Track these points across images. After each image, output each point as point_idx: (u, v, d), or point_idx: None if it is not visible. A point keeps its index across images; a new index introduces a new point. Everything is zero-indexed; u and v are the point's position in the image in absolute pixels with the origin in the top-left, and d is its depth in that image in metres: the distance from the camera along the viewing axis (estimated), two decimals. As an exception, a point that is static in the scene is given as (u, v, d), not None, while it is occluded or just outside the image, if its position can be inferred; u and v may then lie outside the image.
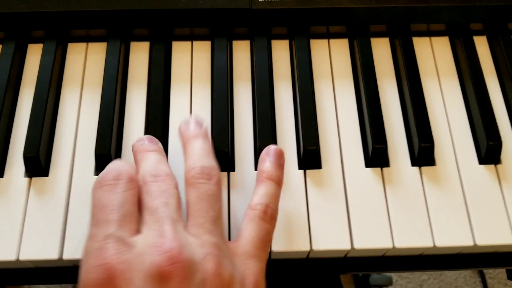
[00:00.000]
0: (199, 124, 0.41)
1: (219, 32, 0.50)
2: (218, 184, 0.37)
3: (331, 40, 0.51)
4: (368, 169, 0.44)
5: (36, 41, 0.50)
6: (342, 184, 0.44)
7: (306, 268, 0.45)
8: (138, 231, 0.34)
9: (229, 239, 0.41)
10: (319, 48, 0.51)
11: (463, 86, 0.49)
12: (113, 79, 0.47)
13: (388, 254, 0.44)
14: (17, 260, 0.40)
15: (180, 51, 0.50)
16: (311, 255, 0.43)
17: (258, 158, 0.43)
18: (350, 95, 0.48)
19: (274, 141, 0.45)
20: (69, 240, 0.41)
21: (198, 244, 0.33)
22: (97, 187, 0.36)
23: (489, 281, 1.27)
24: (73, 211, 0.42)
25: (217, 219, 0.36)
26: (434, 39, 0.52)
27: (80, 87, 0.48)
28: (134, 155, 0.41)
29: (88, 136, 0.45)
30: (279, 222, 0.40)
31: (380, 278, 1.20)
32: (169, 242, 0.32)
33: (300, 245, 0.41)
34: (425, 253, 0.44)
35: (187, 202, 0.36)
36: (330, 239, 0.41)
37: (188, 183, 0.37)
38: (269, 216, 0.38)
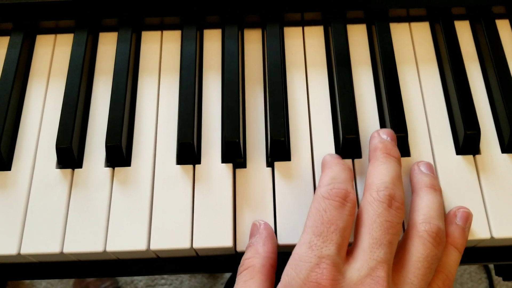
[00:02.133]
0: (432, 170, 0.40)
1: (188, 21, 0.48)
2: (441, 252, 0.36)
3: (306, 28, 0.49)
4: (345, 160, 0.42)
5: (3, 33, 0.49)
6: (312, 175, 0.42)
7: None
8: (348, 252, 0.35)
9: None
10: (293, 37, 0.49)
11: (442, 73, 0.47)
12: (78, 70, 0.45)
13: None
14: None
15: (150, 41, 0.49)
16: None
17: (224, 150, 0.42)
18: (323, 85, 0.46)
19: (241, 134, 0.44)
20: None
21: None
22: (325, 197, 0.36)
23: (495, 277, 1.24)
24: (33, 206, 0.41)
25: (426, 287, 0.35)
26: (413, 24, 0.49)
27: (46, 79, 0.47)
28: (370, 151, 0.40)
29: (52, 129, 0.44)
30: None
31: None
32: None
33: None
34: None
35: (409, 253, 0.35)
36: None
37: (418, 233, 0.35)
38: (447, 285, 0.37)
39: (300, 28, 0.49)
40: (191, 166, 0.42)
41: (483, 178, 0.42)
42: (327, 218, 0.34)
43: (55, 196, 0.41)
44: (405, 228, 0.38)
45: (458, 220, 0.39)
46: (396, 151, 0.39)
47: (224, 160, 0.43)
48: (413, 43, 0.48)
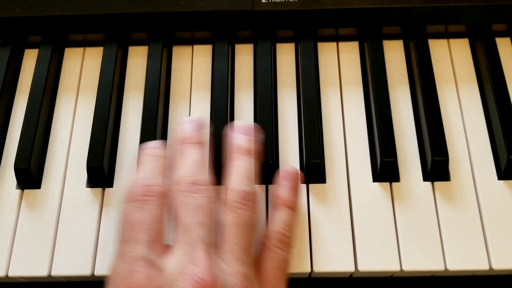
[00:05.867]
0: (249, 139, 0.39)
1: (220, 36, 0.47)
2: (257, 212, 0.36)
3: (340, 43, 0.48)
4: (376, 184, 0.41)
5: (33, 46, 0.49)
6: (348, 200, 0.41)
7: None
8: (167, 247, 0.33)
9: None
10: (327, 52, 0.48)
11: (483, 93, 0.45)
12: (108, 86, 0.45)
13: (396, 275, 0.41)
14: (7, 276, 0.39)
15: (181, 56, 0.48)
16: (313, 275, 0.40)
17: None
18: (359, 103, 0.45)
19: (275, 153, 0.42)
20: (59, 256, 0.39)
21: (230, 273, 0.33)
22: (125, 202, 0.35)
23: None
24: (64, 225, 0.40)
25: (250, 248, 0.35)
26: (452, 41, 0.48)
27: (75, 94, 0.46)
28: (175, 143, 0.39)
29: (82, 146, 0.44)
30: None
31: None
32: (202, 272, 0.31)
33: (300, 267, 0.38)
34: (436, 275, 0.41)
35: (223, 225, 0.35)
36: (332, 260, 0.39)
37: (227, 205, 0.36)
38: (286, 244, 0.37)
39: (334, 44, 0.48)
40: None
41: (527, 204, 0.40)
42: (130, 221, 0.33)
43: (86, 216, 0.41)
44: None
45: (283, 180, 0.39)
46: (195, 136, 0.39)
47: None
48: (452, 60, 0.47)
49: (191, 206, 0.34)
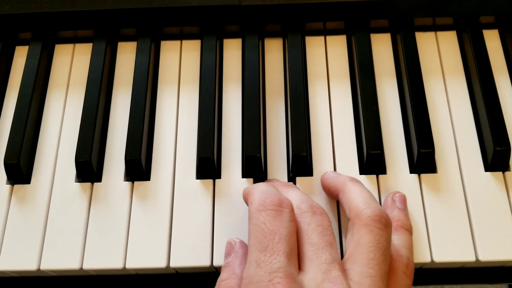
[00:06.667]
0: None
1: (208, 31, 0.47)
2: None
3: (328, 37, 0.48)
4: (363, 176, 0.41)
5: (23, 43, 0.49)
6: (334, 193, 0.41)
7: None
8: (299, 267, 0.33)
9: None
10: (315, 46, 0.48)
11: (470, 85, 0.45)
12: (97, 82, 0.45)
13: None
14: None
15: (169, 51, 0.48)
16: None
17: (245, 165, 0.41)
18: (346, 97, 0.45)
19: (264, 147, 0.43)
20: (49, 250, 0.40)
21: None
22: (259, 210, 0.34)
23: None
24: (53, 220, 0.41)
25: (386, 274, 0.34)
26: (440, 34, 0.48)
27: (65, 90, 0.47)
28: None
29: (71, 142, 0.44)
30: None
31: None
32: None
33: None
34: (424, 267, 0.41)
35: (357, 242, 0.34)
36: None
37: (362, 222, 0.34)
38: (411, 271, 0.36)
39: (322, 38, 0.48)
40: (211, 181, 0.42)
41: (513, 195, 0.40)
42: (268, 229, 0.33)
43: (75, 211, 0.41)
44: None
45: (398, 204, 0.39)
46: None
47: (245, 175, 0.42)
48: (439, 53, 0.47)
49: (316, 226, 0.34)
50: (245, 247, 0.37)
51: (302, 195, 0.37)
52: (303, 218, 0.35)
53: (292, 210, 0.34)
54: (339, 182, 0.39)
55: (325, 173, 0.41)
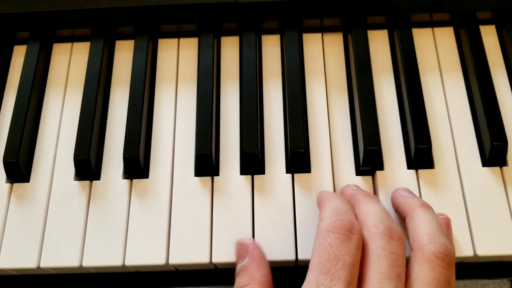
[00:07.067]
0: (412, 193, 0.39)
1: (205, 28, 0.47)
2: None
3: (325, 34, 0.48)
4: (359, 177, 0.41)
5: (21, 42, 0.49)
6: (332, 189, 0.41)
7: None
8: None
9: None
10: (312, 43, 0.48)
11: (467, 81, 0.45)
12: (95, 80, 0.45)
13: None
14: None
15: (167, 49, 0.48)
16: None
17: (243, 162, 0.41)
18: (343, 93, 0.45)
19: (261, 144, 0.43)
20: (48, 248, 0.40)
21: None
22: (329, 231, 0.33)
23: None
24: (52, 217, 0.41)
25: None
26: (437, 30, 0.48)
27: (64, 88, 0.47)
28: (343, 191, 0.39)
29: (70, 140, 0.44)
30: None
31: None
32: None
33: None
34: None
35: (416, 277, 0.33)
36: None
37: (425, 257, 0.33)
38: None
39: (319, 35, 0.48)
40: (209, 178, 0.42)
41: (511, 190, 0.40)
42: (333, 253, 0.32)
43: (74, 209, 0.41)
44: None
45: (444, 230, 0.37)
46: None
47: (243, 172, 0.42)
48: (436, 49, 0.47)
49: (389, 254, 0.33)
50: (258, 248, 0.37)
51: (383, 213, 0.35)
52: (377, 239, 0.33)
53: (360, 238, 0.33)
54: (409, 205, 0.37)
55: (397, 189, 0.40)
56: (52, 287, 0.43)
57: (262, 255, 0.37)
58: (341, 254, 0.32)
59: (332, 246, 0.33)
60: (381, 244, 0.33)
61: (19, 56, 0.49)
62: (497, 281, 1.19)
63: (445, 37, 0.47)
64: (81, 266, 0.39)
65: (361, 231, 0.34)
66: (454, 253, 0.34)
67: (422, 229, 0.34)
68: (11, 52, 0.49)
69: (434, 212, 0.37)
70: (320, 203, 0.38)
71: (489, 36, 0.47)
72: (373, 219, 0.35)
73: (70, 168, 0.43)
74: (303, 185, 0.41)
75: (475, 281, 1.17)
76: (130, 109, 0.44)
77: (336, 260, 0.32)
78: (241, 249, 0.37)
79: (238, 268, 0.37)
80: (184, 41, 0.49)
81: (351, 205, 0.37)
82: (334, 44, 0.48)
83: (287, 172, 0.42)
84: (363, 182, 0.41)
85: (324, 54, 0.47)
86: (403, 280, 0.33)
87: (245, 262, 0.36)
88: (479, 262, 0.42)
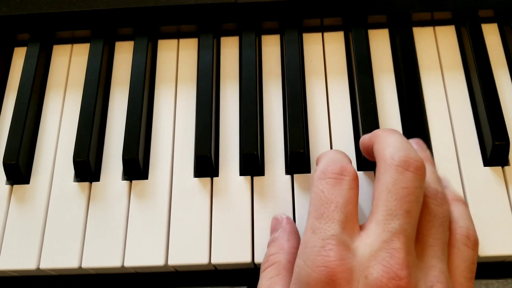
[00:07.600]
0: (423, 147, 0.39)
1: (205, 29, 0.47)
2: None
3: (325, 34, 0.48)
4: (361, 172, 0.41)
5: (21, 44, 0.49)
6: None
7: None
8: (359, 227, 0.32)
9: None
10: (312, 42, 0.48)
11: (469, 80, 0.45)
12: (94, 82, 0.45)
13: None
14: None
15: (166, 50, 0.48)
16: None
17: (243, 163, 0.41)
18: (344, 93, 0.45)
19: (261, 144, 0.43)
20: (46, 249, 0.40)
21: (427, 269, 0.31)
22: (320, 178, 0.34)
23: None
24: (52, 219, 0.41)
25: (446, 245, 0.33)
26: (438, 28, 0.47)
27: (63, 90, 0.47)
28: (373, 135, 0.37)
29: (70, 142, 0.44)
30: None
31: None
32: (400, 270, 0.29)
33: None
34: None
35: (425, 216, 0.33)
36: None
37: (428, 199, 0.33)
38: (473, 241, 0.34)
39: (319, 34, 0.48)
40: (209, 179, 0.42)
41: (513, 190, 0.40)
42: (326, 197, 0.33)
43: (73, 210, 0.41)
44: None
45: (444, 183, 0.38)
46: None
47: (243, 172, 0.42)
48: (438, 47, 0.46)
49: (400, 188, 0.32)
50: (291, 223, 0.38)
51: (401, 143, 0.34)
52: (391, 172, 0.32)
53: (354, 178, 0.33)
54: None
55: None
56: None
57: (293, 230, 0.38)
58: (333, 197, 0.33)
59: (324, 191, 0.33)
60: (393, 178, 0.32)
61: (19, 58, 0.49)
62: (501, 280, 1.18)
63: (447, 35, 0.47)
64: (80, 267, 0.39)
65: (354, 172, 0.34)
66: (423, 162, 0.33)
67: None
68: (11, 54, 0.49)
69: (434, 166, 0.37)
70: (317, 161, 0.38)
71: (491, 35, 0.46)
72: (391, 150, 0.33)
73: (69, 170, 0.43)
74: (303, 186, 0.41)
75: (478, 280, 1.17)
76: (129, 110, 0.43)
77: (329, 204, 0.32)
78: (276, 223, 0.39)
79: (270, 239, 0.38)
80: (183, 41, 0.48)
81: (347, 156, 0.37)
82: (335, 43, 0.47)
83: (286, 173, 0.42)
84: (363, 181, 0.41)
85: (324, 54, 0.47)
86: (414, 218, 0.31)
87: (277, 234, 0.38)
88: (482, 262, 0.41)
